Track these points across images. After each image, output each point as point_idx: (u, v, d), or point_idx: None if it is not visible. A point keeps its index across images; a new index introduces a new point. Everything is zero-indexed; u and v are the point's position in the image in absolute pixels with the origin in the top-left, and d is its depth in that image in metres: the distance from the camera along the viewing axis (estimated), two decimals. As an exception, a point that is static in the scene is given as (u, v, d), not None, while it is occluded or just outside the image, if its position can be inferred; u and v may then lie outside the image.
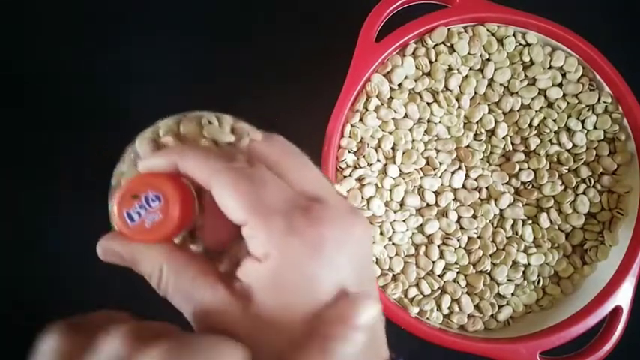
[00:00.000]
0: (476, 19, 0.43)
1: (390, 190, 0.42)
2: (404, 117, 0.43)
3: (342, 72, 0.40)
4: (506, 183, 0.44)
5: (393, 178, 0.42)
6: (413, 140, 0.43)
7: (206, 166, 0.20)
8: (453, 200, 0.43)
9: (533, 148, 0.44)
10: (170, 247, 0.21)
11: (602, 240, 0.44)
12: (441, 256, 0.43)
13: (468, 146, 0.44)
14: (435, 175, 0.43)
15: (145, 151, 0.23)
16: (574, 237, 0.44)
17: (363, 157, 0.42)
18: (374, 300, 0.21)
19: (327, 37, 0.47)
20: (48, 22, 0.47)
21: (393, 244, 0.42)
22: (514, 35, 0.44)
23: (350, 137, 0.41)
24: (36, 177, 0.45)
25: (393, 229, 0.42)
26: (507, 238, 0.44)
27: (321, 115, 0.40)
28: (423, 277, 0.42)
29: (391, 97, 0.42)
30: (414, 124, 0.43)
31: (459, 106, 0.44)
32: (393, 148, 0.43)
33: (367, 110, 0.42)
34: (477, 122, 0.44)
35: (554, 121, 0.44)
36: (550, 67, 0.44)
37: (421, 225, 0.43)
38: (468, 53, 0.43)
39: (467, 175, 0.44)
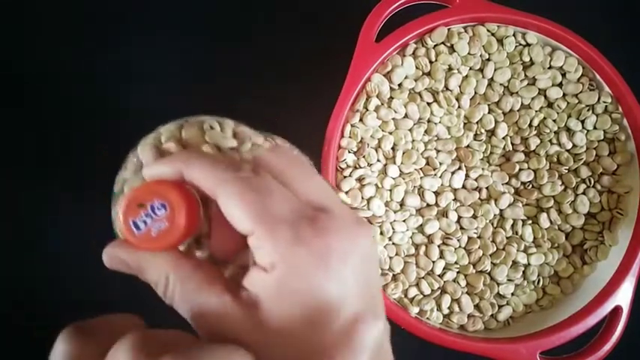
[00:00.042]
0: (476, 19, 0.43)
1: (390, 190, 0.42)
2: (404, 117, 0.43)
3: (342, 72, 0.40)
4: (506, 183, 0.44)
5: (393, 178, 0.42)
6: (413, 140, 0.43)
7: (212, 176, 0.20)
8: (453, 200, 0.43)
9: (533, 148, 0.44)
10: (176, 255, 0.21)
11: (602, 240, 0.44)
12: (441, 256, 0.43)
13: (468, 146, 0.44)
14: (435, 175, 0.43)
15: (147, 157, 0.23)
16: (574, 237, 0.44)
17: (363, 157, 0.42)
18: (379, 317, 0.20)
19: (327, 37, 0.47)
20: (48, 22, 0.47)
21: (393, 244, 0.42)
22: (514, 35, 0.44)
23: (350, 137, 0.41)
24: (36, 177, 0.45)
25: (393, 229, 0.42)
26: (507, 238, 0.44)
27: (321, 115, 0.40)
28: (423, 277, 0.42)
29: (391, 97, 0.42)
30: (414, 124, 0.43)
31: (459, 106, 0.44)
32: (393, 148, 0.43)
33: (367, 110, 0.42)
34: (477, 122, 0.44)
35: (554, 121, 0.44)
36: (550, 67, 0.44)
37: (421, 225, 0.43)
38: (468, 53, 0.43)
39: (467, 175, 0.44)
